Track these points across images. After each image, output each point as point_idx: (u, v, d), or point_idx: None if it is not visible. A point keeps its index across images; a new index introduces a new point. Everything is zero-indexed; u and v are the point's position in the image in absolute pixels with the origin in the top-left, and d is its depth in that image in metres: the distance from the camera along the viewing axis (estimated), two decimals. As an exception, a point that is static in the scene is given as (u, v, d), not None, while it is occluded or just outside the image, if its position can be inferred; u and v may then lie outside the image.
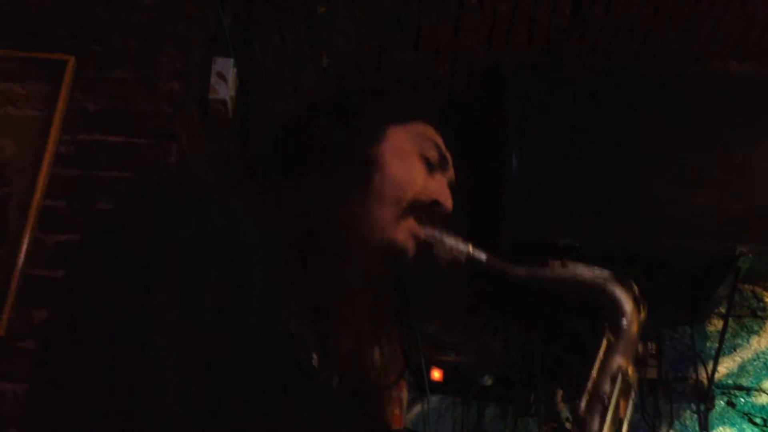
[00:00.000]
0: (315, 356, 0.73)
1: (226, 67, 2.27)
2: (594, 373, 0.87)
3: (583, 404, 0.86)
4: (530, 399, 2.83)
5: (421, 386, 2.77)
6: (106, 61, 2.10)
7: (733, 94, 2.53)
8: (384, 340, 0.88)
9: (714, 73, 2.64)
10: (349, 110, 0.92)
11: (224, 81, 2.25)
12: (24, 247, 1.88)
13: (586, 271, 0.89)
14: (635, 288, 0.89)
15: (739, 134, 2.47)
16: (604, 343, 0.89)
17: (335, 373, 0.79)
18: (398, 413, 2.65)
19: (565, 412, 2.80)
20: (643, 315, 0.89)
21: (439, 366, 2.88)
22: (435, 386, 2.88)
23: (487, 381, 2.92)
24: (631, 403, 0.86)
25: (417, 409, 2.88)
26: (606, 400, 0.85)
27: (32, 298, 1.85)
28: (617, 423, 0.85)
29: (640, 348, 0.90)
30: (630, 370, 0.87)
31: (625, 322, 0.88)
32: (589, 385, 0.87)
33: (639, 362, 0.90)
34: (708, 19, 2.47)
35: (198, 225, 0.67)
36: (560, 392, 2.85)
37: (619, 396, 0.85)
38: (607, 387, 0.86)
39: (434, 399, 2.91)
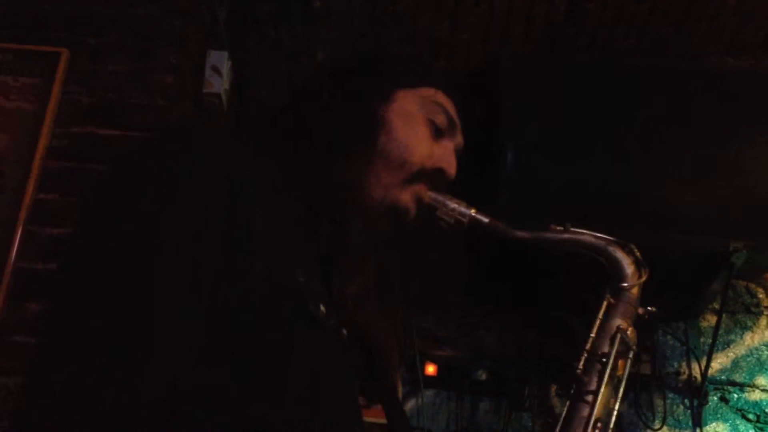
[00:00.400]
0: (322, 306, 0.73)
1: (220, 60, 2.25)
2: (593, 333, 0.87)
3: (580, 364, 0.85)
4: (524, 393, 2.84)
5: (416, 381, 2.78)
6: (101, 54, 2.09)
7: (729, 90, 2.53)
8: (390, 311, 0.87)
9: (710, 68, 2.64)
10: (358, 72, 0.92)
11: (219, 74, 2.24)
12: (17, 240, 1.87)
13: (587, 235, 0.89)
14: (637, 252, 0.89)
15: (734, 130, 2.47)
16: (604, 304, 0.88)
17: (343, 326, 0.79)
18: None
19: (558, 407, 2.80)
20: (644, 278, 0.88)
21: (433, 361, 2.89)
22: (429, 381, 2.89)
23: (482, 375, 2.93)
24: (629, 363, 0.86)
25: (412, 403, 2.89)
26: (604, 360, 0.84)
27: (25, 292, 1.84)
28: (615, 382, 0.85)
29: (641, 311, 0.88)
30: (630, 331, 0.86)
31: (625, 284, 0.87)
32: (588, 344, 0.86)
33: (640, 323, 0.89)
34: (704, 15, 2.48)
35: (200, 182, 0.67)
36: (554, 387, 2.86)
37: (617, 356, 0.85)
38: (605, 347, 0.85)
39: (429, 394, 2.91)
